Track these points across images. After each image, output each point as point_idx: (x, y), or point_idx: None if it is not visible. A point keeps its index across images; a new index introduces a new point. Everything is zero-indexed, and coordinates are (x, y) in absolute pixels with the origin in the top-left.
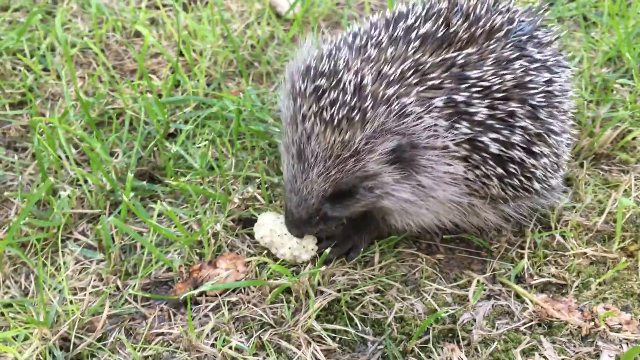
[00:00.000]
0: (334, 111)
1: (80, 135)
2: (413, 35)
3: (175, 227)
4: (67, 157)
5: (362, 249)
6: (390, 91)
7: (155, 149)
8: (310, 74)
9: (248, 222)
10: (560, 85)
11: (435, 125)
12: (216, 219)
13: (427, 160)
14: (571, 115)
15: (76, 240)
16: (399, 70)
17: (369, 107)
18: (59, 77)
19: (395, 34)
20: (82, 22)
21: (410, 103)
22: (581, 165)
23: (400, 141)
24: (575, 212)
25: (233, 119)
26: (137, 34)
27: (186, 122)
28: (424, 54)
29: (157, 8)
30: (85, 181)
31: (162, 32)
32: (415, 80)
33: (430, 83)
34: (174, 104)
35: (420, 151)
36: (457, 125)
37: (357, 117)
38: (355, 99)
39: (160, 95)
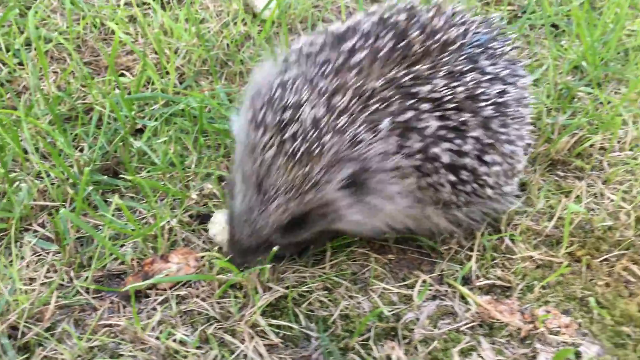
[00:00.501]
0: (296, 145)
1: (45, 129)
2: (357, 58)
3: (135, 220)
4: (36, 150)
5: (316, 248)
6: (340, 121)
7: (121, 144)
8: (274, 106)
9: (206, 218)
10: (514, 95)
11: (385, 147)
12: (173, 214)
13: (377, 182)
14: (529, 121)
15: (35, 231)
16: (344, 100)
17: (326, 140)
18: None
19: (341, 59)
20: (60, 18)
21: (360, 131)
22: (536, 170)
23: (354, 168)
24: (526, 216)
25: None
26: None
27: (154, 118)
28: (369, 75)
29: (139, 5)
30: (48, 174)
31: (139, 30)
32: (360, 107)
33: (374, 107)
34: (144, 101)
35: (371, 174)
36: (406, 143)
37: (316, 150)
38: (314, 133)
39: (129, 93)
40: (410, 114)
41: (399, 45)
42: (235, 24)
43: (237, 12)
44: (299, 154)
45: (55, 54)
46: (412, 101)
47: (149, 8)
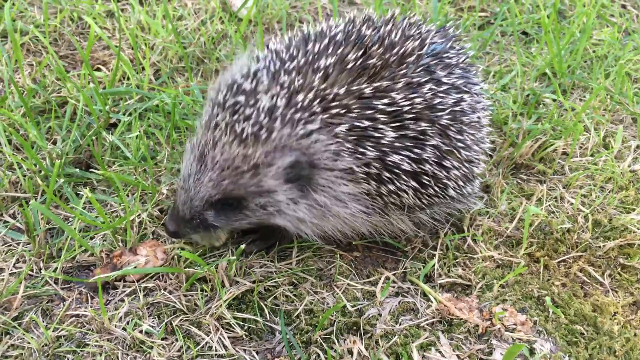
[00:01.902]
0: (245, 126)
1: (18, 121)
2: (323, 63)
3: (106, 213)
4: (9, 142)
5: (283, 244)
6: (297, 116)
7: (94, 137)
8: (233, 89)
9: None
10: (470, 102)
11: (337, 148)
12: (143, 208)
13: (325, 180)
14: (486, 124)
15: (5, 222)
16: (307, 99)
17: (276, 127)
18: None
19: (305, 61)
20: (38, 11)
21: (315, 128)
22: (500, 173)
23: (298, 157)
24: (489, 217)
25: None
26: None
27: (128, 113)
28: (334, 84)
29: (119, 0)
30: (20, 166)
31: (116, 25)
32: (319, 109)
33: (335, 111)
34: (118, 95)
35: (319, 171)
36: (361, 149)
37: (263, 135)
38: (266, 119)
39: (105, 87)
40: (367, 123)
41: (361, 58)
42: (212, 22)
43: (214, 10)
44: (245, 134)
45: (31, 47)
46: (370, 112)
47: (127, 3)
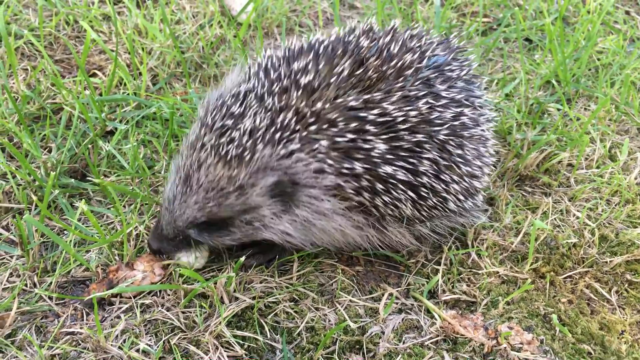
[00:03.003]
0: (230, 149)
1: (12, 129)
2: (307, 79)
3: (102, 225)
4: (3, 150)
5: (283, 258)
6: (277, 136)
7: (90, 146)
8: (222, 111)
9: None
10: (471, 115)
11: (319, 166)
12: (140, 220)
13: (307, 196)
14: (490, 137)
15: None
16: (287, 118)
17: (258, 149)
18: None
19: (291, 80)
20: (32, 14)
21: (295, 148)
22: (504, 185)
23: (280, 177)
24: (493, 231)
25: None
26: None
27: (125, 121)
28: (319, 98)
29: (115, 3)
30: (14, 176)
31: (113, 29)
32: (299, 127)
33: (314, 127)
34: (115, 102)
35: (302, 188)
36: (346, 164)
37: (247, 157)
38: (249, 141)
39: (101, 93)
40: (351, 135)
41: (356, 71)
42: (211, 26)
43: (213, 15)
44: (229, 157)
45: (25, 51)
46: (356, 124)
47: (124, 7)
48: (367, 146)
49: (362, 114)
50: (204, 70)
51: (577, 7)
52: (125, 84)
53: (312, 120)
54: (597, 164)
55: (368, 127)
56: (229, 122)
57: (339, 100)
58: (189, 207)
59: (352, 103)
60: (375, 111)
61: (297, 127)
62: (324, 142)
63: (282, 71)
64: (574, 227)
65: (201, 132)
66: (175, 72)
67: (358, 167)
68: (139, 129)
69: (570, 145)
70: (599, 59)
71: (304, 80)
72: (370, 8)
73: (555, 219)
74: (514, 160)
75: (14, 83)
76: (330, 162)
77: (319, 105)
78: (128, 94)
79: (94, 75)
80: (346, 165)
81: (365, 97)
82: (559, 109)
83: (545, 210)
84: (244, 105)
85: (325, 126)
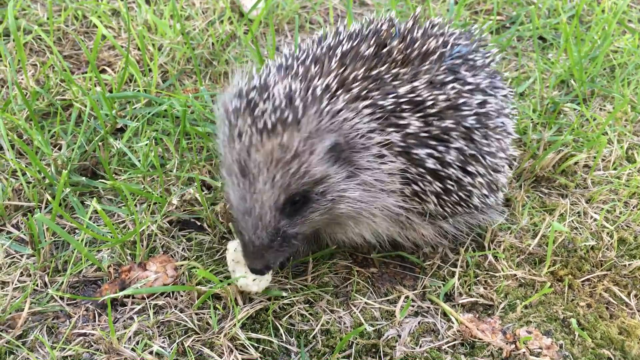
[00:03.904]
0: (267, 117)
1: (22, 126)
2: (339, 52)
3: (113, 224)
4: (12, 146)
5: (298, 260)
6: (319, 95)
7: (100, 143)
8: (242, 94)
9: (186, 224)
10: (495, 106)
11: (368, 126)
12: (152, 219)
13: (367, 161)
14: (511, 132)
15: (9, 233)
16: (325, 83)
17: (300, 109)
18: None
19: (321, 52)
20: (41, 8)
21: (340, 108)
22: (521, 186)
23: (337, 139)
24: (510, 233)
25: None
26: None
27: (135, 118)
28: (352, 70)
29: None
30: (24, 173)
31: (122, 25)
32: (340, 91)
33: (355, 92)
34: (125, 99)
35: (358, 152)
36: (387, 131)
37: (290, 119)
38: (285, 104)
39: (111, 90)
40: (390, 103)
41: (380, 52)
42: (221, 22)
43: (223, 11)
44: (271, 124)
45: (34, 47)
46: (392, 95)
47: (133, 2)
48: (402, 122)
49: (393, 87)
50: (214, 67)
51: (591, 6)
52: (134, 81)
53: (351, 85)
54: (614, 165)
55: (401, 101)
56: (254, 95)
57: (372, 72)
58: (263, 192)
59: (385, 75)
60: (406, 87)
61: (338, 90)
62: (365, 104)
63: (309, 50)
64: (591, 229)
65: (232, 122)
66: (186, 68)
67: (396, 138)
68: (149, 126)
69: (588, 146)
70: (614, 59)
71: (336, 51)
72: (381, 5)
73: (572, 221)
74: (530, 160)
75: (22, 79)
76: (374, 125)
77: (354, 72)
78: (139, 91)
79: (103, 71)
80: (387, 133)
81: (393, 71)
82: (575, 109)
83: (562, 212)
84: (265, 79)
85: (364, 92)
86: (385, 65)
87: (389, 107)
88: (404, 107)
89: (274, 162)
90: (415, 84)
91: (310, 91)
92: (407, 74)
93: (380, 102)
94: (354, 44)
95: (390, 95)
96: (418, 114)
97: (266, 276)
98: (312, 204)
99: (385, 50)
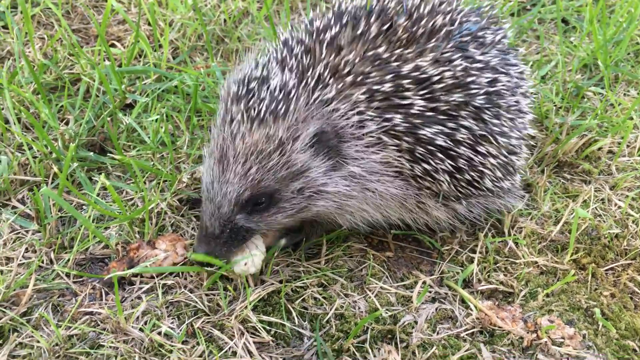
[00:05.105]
0: (261, 108)
1: (29, 99)
2: (330, 35)
3: (122, 201)
4: (19, 120)
5: (311, 241)
6: (310, 87)
7: (109, 119)
8: (244, 81)
9: (196, 203)
10: (507, 84)
11: (361, 116)
12: (162, 197)
13: (355, 151)
14: (527, 110)
15: (14, 207)
16: (316, 73)
17: (292, 99)
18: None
19: (314, 38)
20: None
21: (331, 96)
22: (543, 171)
23: (322, 126)
24: (531, 219)
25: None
26: None
27: (145, 94)
28: (347, 52)
29: None
30: (30, 147)
31: None
32: (331, 80)
33: (349, 78)
34: (134, 74)
35: (347, 141)
36: (387, 115)
37: (281, 110)
38: (280, 95)
39: (120, 65)
40: (389, 87)
41: (383, 29)
42: None
43: None
44: (262, 114)
45: (42, 19)
46: (392, 76)
47: None
48: (404, 102)
49: (394, 66)
50: (226, 45)
51: None
52: (144, 56)
53: (345, 71)
54: (639, 151)
55: (403, 81)
56: (253, 84)
57: (370, 53)
58: (229, 183)
59: (384, 55)
60: (409, 66)
61: (330, 80)
62: (360, 92)
63: (302, 36)
64: (615, 217)
65: (227, 107)
66: (197, 45)
67: (398, 122)
68: (159, 102)
69: (612, 131)
70: (638, 43)
71: (327, 37)
72: None
73: (596, 208)
74: (552, 145)
75: (30, 52)
76: (370, 113)
77: (350, 57)
78: (149, 66)
79: (113, 45)
80: (387, 117)
81: (397, 51)
82: (599, 94)
83: (585, 199)
84: (266, 70)
85: (359, 78)
86: (389, 45)
87: (389, 90)
88: (407, 86)
89: (253, 155)
90: (419, 62)
91: (303, 83)
92: (412, 53)
93: (377, 87)
94: (359, 22)
95: (390, 76)
96: (422, 91)
97: (258, 254)
98: (282, 204)
99: (390, 30)
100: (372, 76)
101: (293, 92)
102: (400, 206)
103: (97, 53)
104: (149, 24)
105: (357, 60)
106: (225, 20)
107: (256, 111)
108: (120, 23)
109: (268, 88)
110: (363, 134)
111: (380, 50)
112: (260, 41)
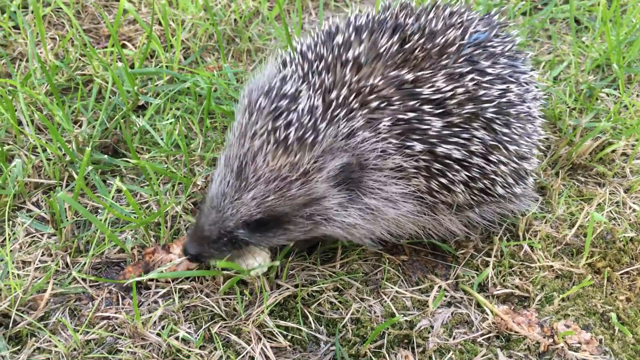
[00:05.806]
0: (290, 132)
1: (42, 101)
2: (351, 55)
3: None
4: (32, 122)
5: (327, 245)
6: (337, 113)
7: (122, 120)
8: (271, 95)
9: None
10: (517, 91)
11: (384, 145)
12: (177, 200)
13: (374, 181)
14: (537, 114)
15: (29, 211)
16: (341, 96)
17: (320, 128)
18: None
19: (334, 55)
20: None
21: (358, 125)
22: (557, 174)
23: (349, 159)
24: (546, 222)
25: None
26: None
27: (157, 95)
28: (370, 74)
29: None
30: (44, 149)
31: None
32: (357, 104)
33: (374, 104)
34: (146, 75)
35: (368, 172)
36: (408, 143)
37: (309, 139)
38: (308, 121)
39: (132, 66)
40: (411, 114)
41: (402, 48)
42: None
43: None
44: (290, 141)
45: (53, 19)
46: (414, 102)
47: None
48: (423, 126)
49: (417, 90)
50: (237, 45)
51: None
52: (156, 57)
53: (369, 97)
54: None
55: (424, 106)
56: (283, 102)
57: (392, 74)
58: (244, 204)
59: (407, 76)
60: (428, 87)
61: (355, 105)
62: (386, 121)
63: (321, 50)
64: (630, 220)
65: (251, 119)
66: (207, 45)
67: (418, 147)
68: (172, 104)
69: (626, 133)
70: None
71: (348, 56)
72: None
73: (610, 211)
74: (566, 147)
75: (42, 52)
76: (393, 141)
77: (371, 80)
78: (161, 67)
79: (124, 46)
80: (408, 145)
81: (418, 73)
82: (612, 95)
83: (600, 202)
84: (293, 87)
85: (384, 104)
86: (406, 68)
87: (410, 117)
88: (426, 109)
89: (276, 181)
90: (435, 80)
91: (331, 108)
92: (427, 70)
93: (401, 116)
94: (371, 38)
95: (412, 102)
96: (439, 110)
97: (263, 253)
98: (288, 225)
99: (406, 47)
100: (394, 101)
101: (320, 119)
102: (413, 222)
103: (109, 54)
104: (160, 24)
105: (379, 83)
106: (235, 20)
107: (283, 135)
108: (131, 23)
109: (296, 110)
110: (386, 164)
111: (401, 71)
112: (271, 41)
